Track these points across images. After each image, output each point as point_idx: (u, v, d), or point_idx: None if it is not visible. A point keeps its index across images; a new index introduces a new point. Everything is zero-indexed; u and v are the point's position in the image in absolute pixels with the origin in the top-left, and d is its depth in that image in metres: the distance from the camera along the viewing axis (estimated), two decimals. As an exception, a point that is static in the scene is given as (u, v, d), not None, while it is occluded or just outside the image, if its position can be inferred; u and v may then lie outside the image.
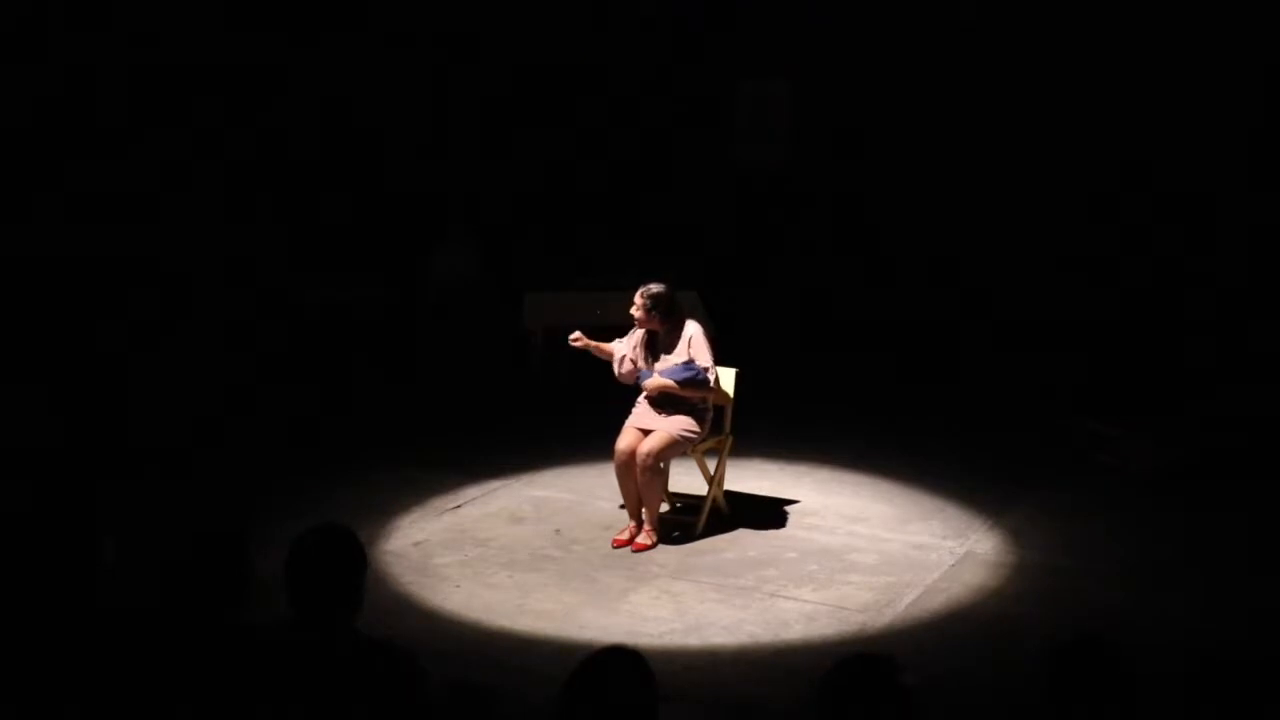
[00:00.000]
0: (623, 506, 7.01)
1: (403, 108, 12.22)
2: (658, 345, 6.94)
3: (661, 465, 6.84)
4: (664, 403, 6.86)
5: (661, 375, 6.83)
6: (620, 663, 2.99)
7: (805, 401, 9.62)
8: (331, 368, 10.19)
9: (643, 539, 6.79)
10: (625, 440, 6.81)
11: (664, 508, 7.09)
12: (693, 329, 6.90)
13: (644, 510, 6.83)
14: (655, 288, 6.88)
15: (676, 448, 6.85)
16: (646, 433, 6.80)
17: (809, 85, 11.91)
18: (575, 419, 8.78)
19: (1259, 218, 10.18)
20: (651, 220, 12.00)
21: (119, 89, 10.62)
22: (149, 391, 9.24)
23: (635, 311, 6.90)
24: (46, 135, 10.30)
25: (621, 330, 7.11)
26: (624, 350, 6.99)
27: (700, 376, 6.80)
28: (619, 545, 6.79)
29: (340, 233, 11.65)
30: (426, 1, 12.09)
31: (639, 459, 6.71)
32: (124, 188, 10.64)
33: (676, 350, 6.88)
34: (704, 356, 6.84)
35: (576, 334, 7.01)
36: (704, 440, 6.98)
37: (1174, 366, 9.67)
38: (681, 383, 6.80)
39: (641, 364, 6.94)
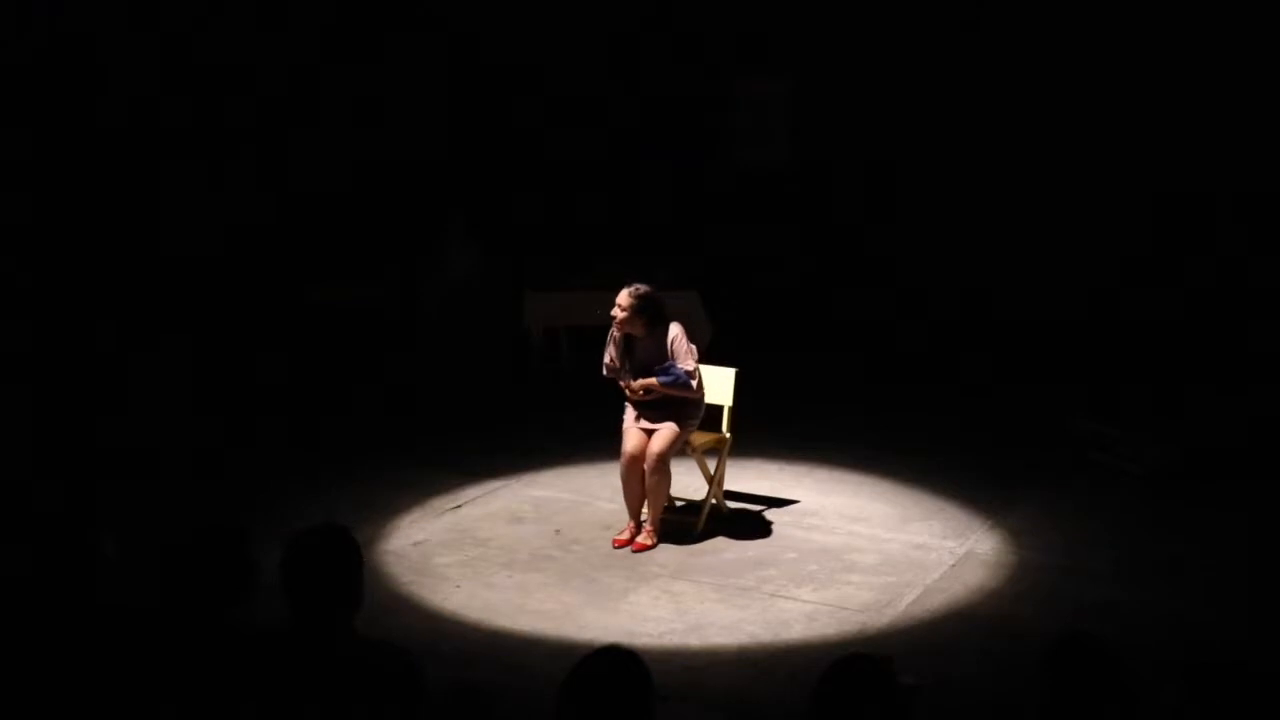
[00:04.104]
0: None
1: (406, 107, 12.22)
2: (636, 349, 6.83)
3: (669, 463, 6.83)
4: (655, 403, 6.83)
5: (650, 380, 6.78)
6: (616, 662, 2.99)
7: (805, 401, 9.61)
8: (331, 368, 10.19)
9: (643, 539, 6.78)
10: (632, 443, 6.77)
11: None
12: (674, 331, 6.78)
13: (647, 510, 6.82)
14: (644, 288, 6.74)
15: (681, 437, 6.84)
16: (649, 433, 6.80)
17: (809, 85, 11.91)
18: (575, 419, 8.78)
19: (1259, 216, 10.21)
20: (651, 219, 12.00)
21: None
22: (148, 392, 9.25)
23: (620, 313, 6.72)
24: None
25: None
26: (611, 356, 6.90)
27: (683, 380, 6.73)
28: (619, 545, 6.79)
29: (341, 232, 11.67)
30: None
31: (650, 459, 6.70)
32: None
33: (659, 353, 6.78)
34: (687, 359, 6.76)
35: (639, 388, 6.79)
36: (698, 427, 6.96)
37: (1174, 367, 9.66)
38: (665, 385, 6.77)
39: (617, 364, 6.86)
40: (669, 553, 6.72)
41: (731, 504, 7.30)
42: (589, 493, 7.63)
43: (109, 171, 10.70)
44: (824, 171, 11.92)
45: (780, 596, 6.19)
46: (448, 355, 10.52)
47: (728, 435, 7.17)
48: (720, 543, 6.88)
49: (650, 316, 6.74)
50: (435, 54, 12.24)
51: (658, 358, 6.78)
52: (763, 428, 8.24)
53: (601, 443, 7.72)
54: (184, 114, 11.13)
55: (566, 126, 12.26)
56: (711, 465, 7.17)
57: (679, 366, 6.73)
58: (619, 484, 6.91)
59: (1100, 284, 10.74)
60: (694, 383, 6.77)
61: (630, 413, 6.91)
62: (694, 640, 5.73)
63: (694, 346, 6.84)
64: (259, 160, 11.49)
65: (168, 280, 10.77)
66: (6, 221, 10.17)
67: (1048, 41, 10.91)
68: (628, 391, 6.86)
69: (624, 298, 6.74)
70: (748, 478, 7.80)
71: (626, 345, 6.84)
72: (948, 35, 11.24)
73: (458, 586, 6.31)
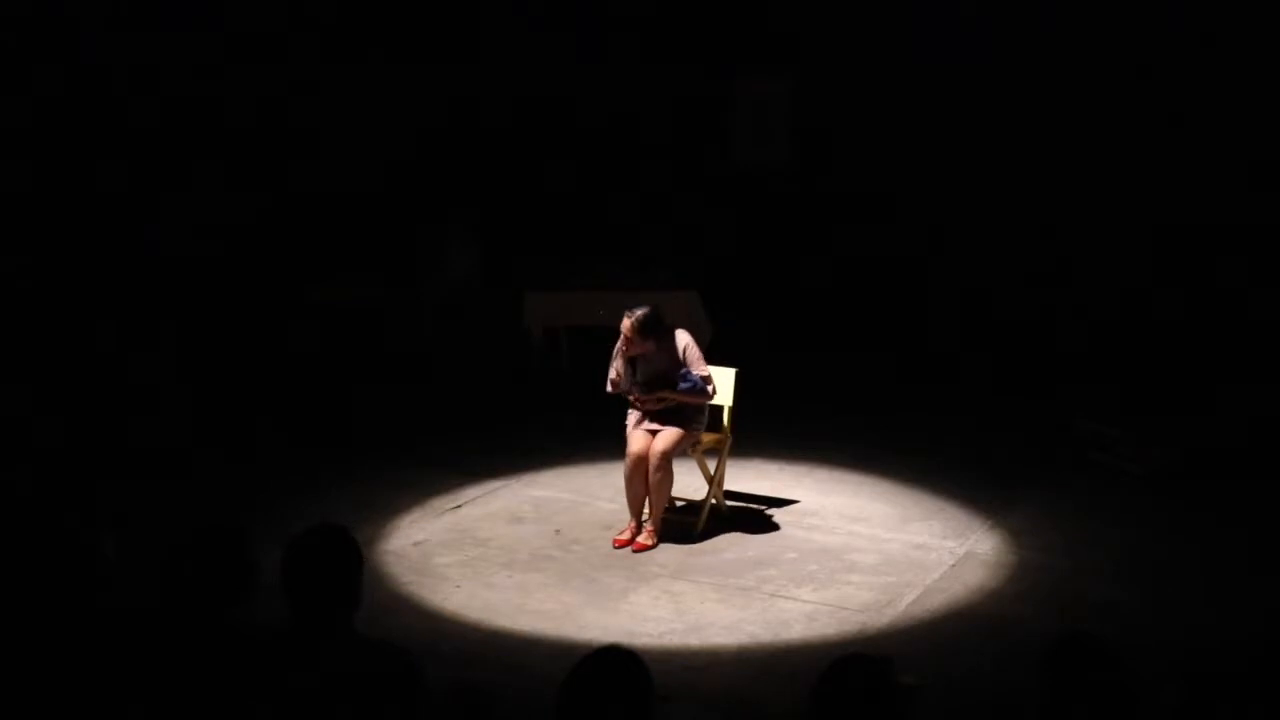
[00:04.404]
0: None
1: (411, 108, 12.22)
2: (642, 360, 6.83)
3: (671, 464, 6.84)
4: (662, 410, 6.83)
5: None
6: (616, 662, 3.00)
7: (805, 401, 9.61)
8: (332, 368, 10.19)
9: (643, 539, 6.79)
10: (637, 444, 6.78)
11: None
12: (684, 339, 6.85)
13: (648, 510, 6.83)
14: (640, 311, 6.75)
15: (686, 440, 6.86)
16: (653, 434, 6.80)
17: (809, 85, 11.91)
18: (575, 419, 8.77)
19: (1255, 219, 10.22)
20: (652, 220, 11.99)
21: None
22: (148, 391, 9.25)
23: (628, 344, 6.76)
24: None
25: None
26: (617, 371, 6.90)
27: (700, 386, 6.80)
28: (619, 545, 6.79)
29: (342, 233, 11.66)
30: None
31: (653, 459, 6.71)
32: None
33: (671, 361, 6.82)
34: (701, 366, 6.83)
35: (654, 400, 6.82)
36: (704, 430, 6.97)
37: (1173, 367, 9.66)
38: (683, 392, 6.80)
39: (621, 376, 6.87)
40: (669, 553, 6.73)
41: (731, 504, 7.30)
42: (589, 493, 7.63)
43: (107, 171, 10.69)
44: (824, 170, 11.92)
45: (780, 596, 6.20)
46: (448, 355, 10.52)
47: (728, 435, 7.17)
48: (720, 543, 6.89)
49: (655, 332, 6.78)
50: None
51: (669, 365, 6.81)
52: (763, 428, 8.24)
53: (601, 443, 7.73)
54: (184, 113, 11.13)
55: (564, 126, 12.27)
56: (711, 465, 7.17)
57: (695, 373, 6.79)
58: (619, 484, 6.92)
59: (1101, 283, 10.74)
60: (709, 388, 6.83)
61: (633, 417, 6.92)
62: (694, 640, 5.73)
63: (700, 353, 6.87)
64: (259, 160, 11.47)
65: (168, 280, 10.76)
66: (6, 220, 10.19)
67: (1047, 41, 10.91)
68: (637, 404, 6.87)
69: (627, 327, 6.75)
70: (748, 478, 7.80)
71: (632, 358, 6.86)
72: (949, 35, 11.23)
73: (458, 586, 6.31)
